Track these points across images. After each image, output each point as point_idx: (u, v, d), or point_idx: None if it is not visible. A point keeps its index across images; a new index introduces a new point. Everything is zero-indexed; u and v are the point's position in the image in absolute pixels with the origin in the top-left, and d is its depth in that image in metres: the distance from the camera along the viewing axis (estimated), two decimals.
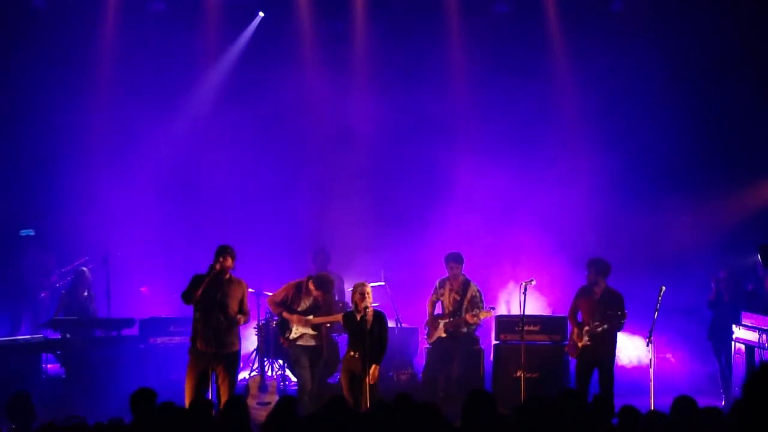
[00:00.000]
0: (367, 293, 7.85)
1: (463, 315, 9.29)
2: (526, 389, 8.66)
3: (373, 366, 7.75)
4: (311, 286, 8.70)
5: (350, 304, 9.98)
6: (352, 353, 7.85)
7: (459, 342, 9.36)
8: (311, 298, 8.74)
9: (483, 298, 9.50)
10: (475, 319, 9.23)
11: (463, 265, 9.46)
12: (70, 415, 6.10)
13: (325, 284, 8.74)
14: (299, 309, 8.73)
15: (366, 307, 7.77)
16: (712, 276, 10.57)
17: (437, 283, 9.60)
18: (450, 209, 12.50)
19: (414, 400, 5.35)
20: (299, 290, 8.78)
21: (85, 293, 10.81)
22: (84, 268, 10.91)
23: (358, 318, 7.85)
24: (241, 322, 8.02)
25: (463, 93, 12.96)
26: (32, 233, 11.92)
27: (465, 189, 12.62)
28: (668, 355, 11.53)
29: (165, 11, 12.56)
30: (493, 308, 9.61)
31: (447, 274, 9.61)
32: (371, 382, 7.70)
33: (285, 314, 8.74)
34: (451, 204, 12.54)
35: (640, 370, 10.94)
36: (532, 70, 12.51)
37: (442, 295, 9.50)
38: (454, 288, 9.41)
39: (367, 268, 11.43)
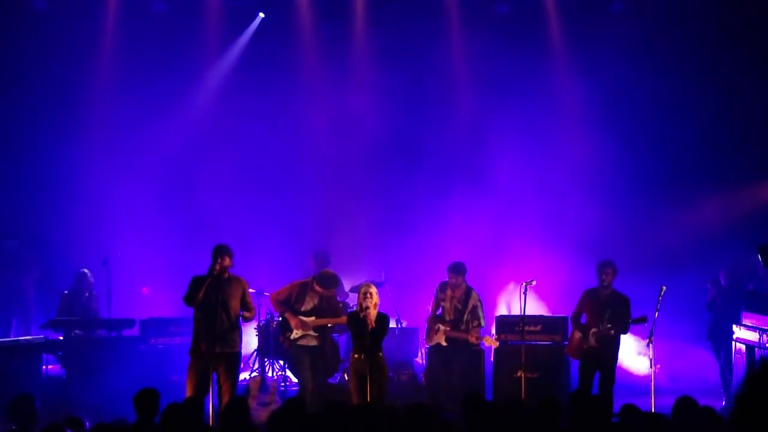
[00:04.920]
0: (370, 294, 7.80)
1: (464, 326, 9.20)
2: (527, 389, 8.65)
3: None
4: (316, 286, 8.69)
5: (350, 305, 10.01)
6: (356, 355, 7.81)
7: (459, 345, 9.30)
8: (316, 299, 8.72)
9: (484, 306, 9.42)
10: (478, 341, 9.17)
11: (465, 274, 9.32)
12: (70, 416, 6.10)
13: (328, 281, 8.71)
14: (303, 309, 8.70)
15: (366, 308, 7.74)
16: (710, 279, 10.59)
17: (438, 287, 9.51)
18: (450, 209, 12.51)
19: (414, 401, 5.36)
20: (304, 290, 8.75)
21: (87, 294, 10.83)
22: (85, 270, 10.91)
23: (361, 317, 7.81)
24: (248, 318, 8.06)
25: (463, 93, 12.96)
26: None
27: (465, 189, 12.61)
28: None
29: (165, 12, 12.57)
30: (500, 339, 9.53)
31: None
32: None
33: (287, 314, 8.72)
34: (452, 204, 12.55)
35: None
36: (532, 71, 12.52)
37: (443, 300, 9.42)
38: (456, 296, 9.31)
39: (367, 268, 11.43)
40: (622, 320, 8.69)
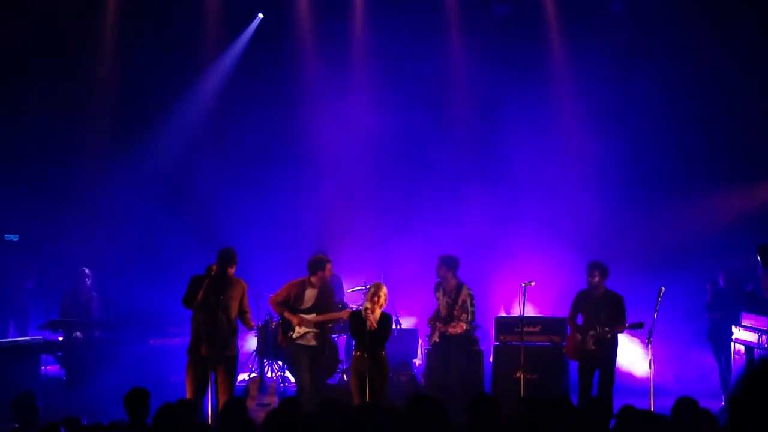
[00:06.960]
0: (378, 295, 7.73)
1: (454, 321, 9.21)
2: (526, 390, 8.65)
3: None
4: (312, 278, 8.66)
5: (349, 304, 10.00)
6: (358, 353, 7.80)
7: (455, 344, 9.29)
8: (314, 296, 8.69)
9: (475, 301, 9.38)
10: (454, 330, 9.14)
11: (455, 269, 9.29)
12: (69, 416, 6.08)
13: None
14: (303, 307, 8.68)
15: (366, 308, 7.72)
16: (709, 280, 10.59)
17: (434, 287, 9.55)
18: (451, 210, 12.50)
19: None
20: (302, 288, 8.73)
21: (88, 295, 10.83)
22: (85, 269, 10.91)
23: (363, 316, 7.79)
24: (252, 326, 8.24)
25: (463, 94, 12.96)
26: (16, 238, 11.86)
27: (465, 189, 12.61)
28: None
29: (165, 12, 12.56)
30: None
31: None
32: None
33: (287, 314, 8.70)
34: (452, 204, 12.54)
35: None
36: (532, 70, 12.51)
37: (439, 299, 9.46)
38: (447, 292, 9.34)
39: (367, 268, 11.42)
40: (618, 319, 8.69)
